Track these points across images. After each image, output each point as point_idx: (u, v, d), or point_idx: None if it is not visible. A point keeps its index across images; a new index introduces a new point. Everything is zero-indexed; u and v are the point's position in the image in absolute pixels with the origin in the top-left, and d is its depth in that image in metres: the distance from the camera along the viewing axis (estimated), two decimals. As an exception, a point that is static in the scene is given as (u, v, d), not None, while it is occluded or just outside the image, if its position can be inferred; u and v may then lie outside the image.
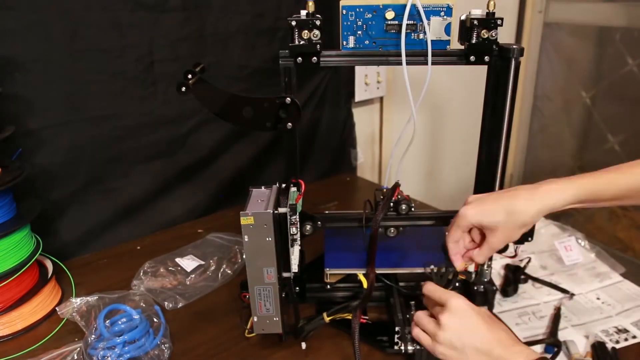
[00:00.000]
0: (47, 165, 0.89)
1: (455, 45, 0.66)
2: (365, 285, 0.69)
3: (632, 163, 0.61)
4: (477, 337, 0.53)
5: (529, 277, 0.86)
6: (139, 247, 1.00)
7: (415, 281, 0.79)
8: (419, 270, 0.76)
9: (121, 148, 0.97)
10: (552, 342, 0.71)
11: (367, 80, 1.34)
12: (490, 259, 0.74)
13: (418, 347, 0.63)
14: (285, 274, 0.63)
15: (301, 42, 0.61)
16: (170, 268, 0.89)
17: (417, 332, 0.58)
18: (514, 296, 0.82)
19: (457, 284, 0.66)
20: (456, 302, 0.55)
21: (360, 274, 0.74)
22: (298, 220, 0.66)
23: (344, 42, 0.64)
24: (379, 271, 0.77)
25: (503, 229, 0.59)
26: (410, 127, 0.69)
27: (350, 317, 0.68)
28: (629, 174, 0.60)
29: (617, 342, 0.71)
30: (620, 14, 1.48)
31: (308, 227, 0.73)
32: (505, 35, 1.60)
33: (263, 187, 0.65)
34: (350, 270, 0.76)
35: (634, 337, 0.72)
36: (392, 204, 0.75)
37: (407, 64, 0.64)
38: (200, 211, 1.10)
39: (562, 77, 1.73)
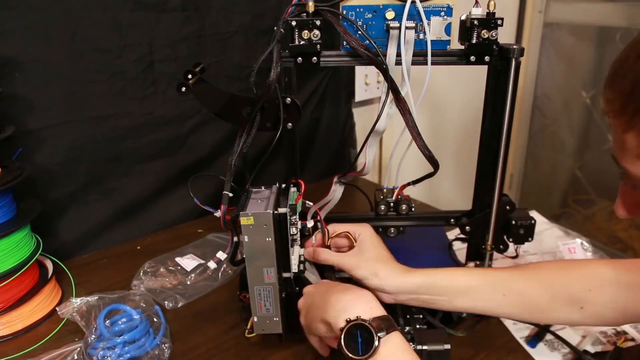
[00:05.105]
0: (47, 165, 0.89)
1: (455, 45, 0.66)
2: None
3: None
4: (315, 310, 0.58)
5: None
6: (139, 247, 1.00)
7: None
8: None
9: (121, 148, 0.97)
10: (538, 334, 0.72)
11: (367, 80, 1.34)
12: (491, 258, 0.74)
13: (418, 347, 0.63)
14: (285, 274, 0.63)
15: (301, 42, 0.61)
16: (170, 268, 0.89)
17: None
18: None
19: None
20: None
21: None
22: (298, 220, 0.66)
23: (344, 42, 0.64)
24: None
25: (365, 258, 0.64)
26: (410, 127, 0.68)
27: None
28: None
29: (615, 343, 0.71)
30: (620, 14, 1.48)
31: (308, 227, 0.73)
32: (505, 35, 1.59)
33: (263, 187, 0.65)
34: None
35: (632, 339, 0.72)
36: (392, 204, 0.75)
37: (407, 64, 0.64)
38: (200, 211, 1.09)
39: (562, 77, 1.73)
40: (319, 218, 0.70)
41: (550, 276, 0.62)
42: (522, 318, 0.67)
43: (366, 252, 0.64)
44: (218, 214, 0.61)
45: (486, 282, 0.62)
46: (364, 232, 0.66)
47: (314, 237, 0.69)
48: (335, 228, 0.68)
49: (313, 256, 0.67)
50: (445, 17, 0.64)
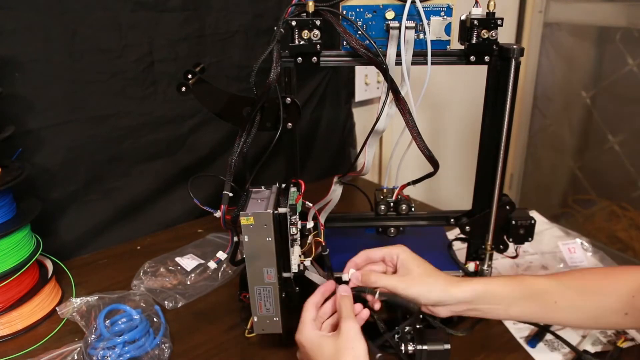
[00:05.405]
0: (47, 165, 0.89)
1: (455, 45, 0.66)
2: None
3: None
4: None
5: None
6: (139, 247, 1.00)
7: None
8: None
9: (121, 148, 0.97)
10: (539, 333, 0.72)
11: (367, 80, 1.34)
12: (491, 258, 0.74)
13: (418, 347, 0.63)
14: (285, 274, 0.63)
15: (301, 42, 0.61)
16: (170, 268, 0.89)
17: None
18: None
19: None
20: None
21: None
22: (298, 220, 0.66)
23: (344, 42, 0.64)
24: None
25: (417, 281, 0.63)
26: (410, 127, 0.69)
27: None
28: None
29: (615, 343, 0.71)
30: (620, 14, 1.48)
31: (308, 227, 0.73)
32: (505, 35, 1.59)
33: (263, 187, 0.65)
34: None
35: (632, 339, 0.72)
36: (392, 204, 0.75)
37: (407, 64, 0.64)
38: (200, 211, 1.09)
39: (562, 77, 1.73)
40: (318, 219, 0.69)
41: (597, 285, 0.63)
42: (574, 325, 0.69)
43: (413, 271, 0.63)
44: (218, 214, 0.61)
45: (540, 290, 0.62)
46: (402, 253, 0.65)
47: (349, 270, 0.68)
48: (369, 255, 0.67)
49: (362, 279, 0.65)
50: (445, 17, 0.64)
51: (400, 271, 0.64)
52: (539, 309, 0.62)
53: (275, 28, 0.61)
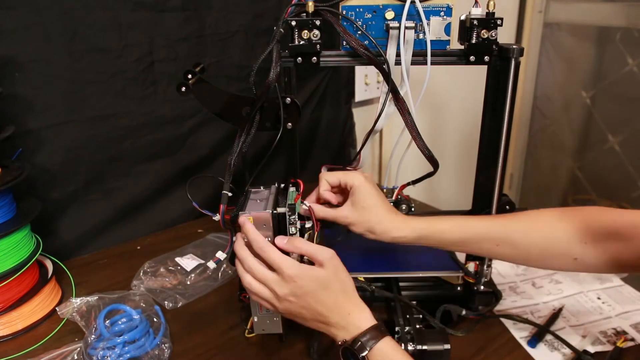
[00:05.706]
0: (47, 165, 0.89)
1: (455, 45, 0.66)
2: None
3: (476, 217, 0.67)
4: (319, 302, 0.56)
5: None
6: (139, 247, 1.00)
7: (416, 282, 0.79)
8: (420, 272, 0.77)
9: (121, 148, 0.97)
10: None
11: (367, 80, 1.34)
12: (491, 258, 0.74)
13: (418, 347, 0.63)
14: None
15: (301, 42, 0.61)
16: (170, 268, 0.89)
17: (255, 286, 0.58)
18: (513, 295, 0.83)
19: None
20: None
21: (361, 277, 0.74)
22: (297, 220, 0.66)
23: (344, 42, 0.64)
24: (379, 275, 0.77)
25: (358, 212, 0.62)
26: (410, 127, 0.69)
27: None
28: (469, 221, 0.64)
29: (615, 343, 0.71)
30: (620, 14, 1.48)
31: (307, 226, 0.73)
32: (505, 35, 1.59)
33: (262, 187, 0.65)
34: (351, 274, 0.76)
35: (632, 339, 0.72)
36: (392, 204, 0.75)
37: (407, 64, 0.64)
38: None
39: (562, 77, 1.73)
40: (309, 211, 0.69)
41: (545, 229, 0.62)
42: (513, 262, 0.73)
43: (359, 206, 0.62)
44: (217, 217, 0.61)
45: (480, 233, 0.63)
46: (355, 182, 0.63)
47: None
48: (327, 178, 0.65)
49: (309, 213, 0.65)
50: (444, 17, 0.64)
51: (348, 204, 0.63)
52: (477, 251, 0.66)
53: (275, 28, 0.61)
